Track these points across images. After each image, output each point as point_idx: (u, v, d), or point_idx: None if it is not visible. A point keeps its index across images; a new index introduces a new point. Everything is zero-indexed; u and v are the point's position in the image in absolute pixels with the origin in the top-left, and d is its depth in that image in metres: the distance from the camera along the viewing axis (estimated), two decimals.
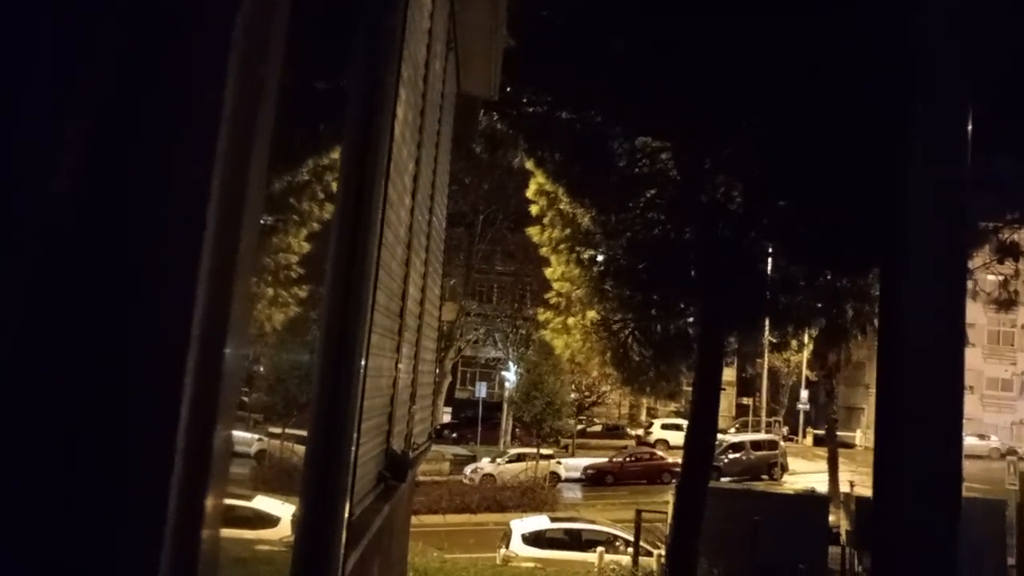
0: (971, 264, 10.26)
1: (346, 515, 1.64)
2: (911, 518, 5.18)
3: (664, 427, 34.66)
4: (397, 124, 3.56)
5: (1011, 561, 12.46)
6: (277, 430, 2.21)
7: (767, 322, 15.73)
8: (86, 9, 0.57)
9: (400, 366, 4.40)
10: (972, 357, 35.53)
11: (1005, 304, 11.86)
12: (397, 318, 4.16)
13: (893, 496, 5.34)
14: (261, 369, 1.98)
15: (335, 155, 2.13)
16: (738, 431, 35.33)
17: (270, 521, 2.02)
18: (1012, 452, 26.26)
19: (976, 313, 30.38)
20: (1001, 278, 11.41)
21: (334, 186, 1.97)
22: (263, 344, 1.90)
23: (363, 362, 1.65)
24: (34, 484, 0.52)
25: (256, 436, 2.05)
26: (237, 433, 1.68)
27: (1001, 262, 10.97)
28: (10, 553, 0.49)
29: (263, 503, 2.06)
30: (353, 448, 1.65)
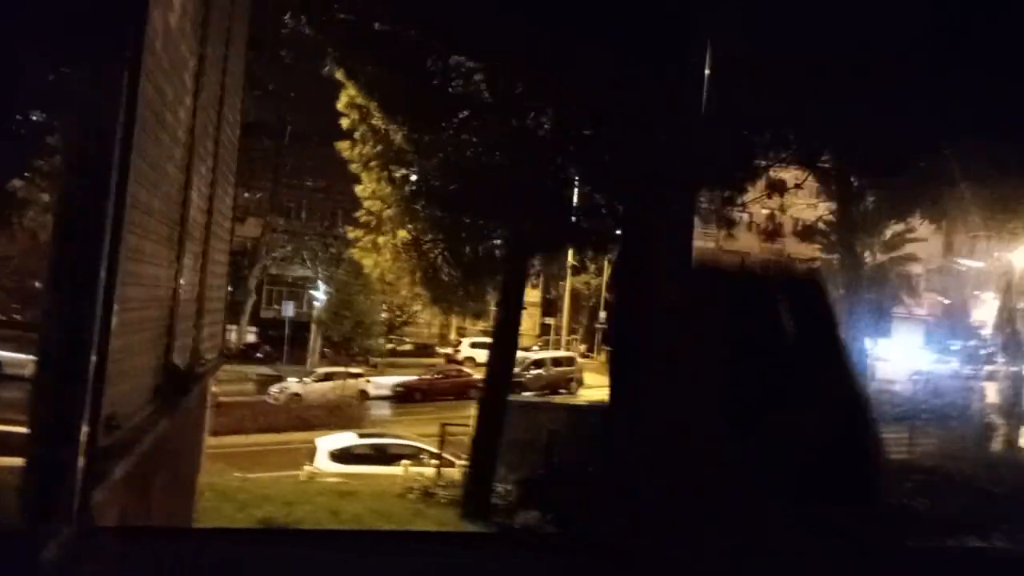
0: (745, 198, 11.29)
1: (85, 433, 1.53)
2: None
3: (473, 345, 35.62)
4: (172, 15, 3.26)
5: None
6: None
7: (570, 246, 16.52)
8: None
9: (182, 278, 4.16)
10: None
11: (771, 235, 13.32)
12: (176, 226, 3.91)
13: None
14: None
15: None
16: (540, 349, 37.20)
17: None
18: None
19: (751, 243, 33.70)
20: (768, 211, 12.79)
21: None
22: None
23: (106, 266, 1.52)
24: None
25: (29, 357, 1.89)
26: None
27: (770, 197, 12.23)
28: None
29: None
30: (93, 360, 1.53)
